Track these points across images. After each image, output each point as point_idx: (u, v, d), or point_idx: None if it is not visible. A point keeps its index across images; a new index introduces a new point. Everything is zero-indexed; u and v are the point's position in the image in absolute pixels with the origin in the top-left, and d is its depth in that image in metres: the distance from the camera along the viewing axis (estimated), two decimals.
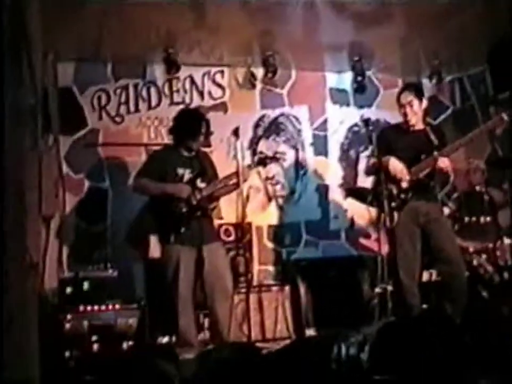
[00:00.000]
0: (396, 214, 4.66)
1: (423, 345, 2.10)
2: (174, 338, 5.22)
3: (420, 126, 4.92)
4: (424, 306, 5.04)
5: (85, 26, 5.47)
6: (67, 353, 4.92)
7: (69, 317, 5.05)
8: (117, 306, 5.22)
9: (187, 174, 4.85)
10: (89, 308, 5.14)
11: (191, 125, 4.89)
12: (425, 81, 7.41)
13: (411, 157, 4.78)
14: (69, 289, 5.22)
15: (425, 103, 4.94)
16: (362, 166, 6.78)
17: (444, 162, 4.63)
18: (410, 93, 4.89)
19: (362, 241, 6.75)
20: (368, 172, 5.13)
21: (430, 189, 4.83)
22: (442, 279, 4.99)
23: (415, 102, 4.85)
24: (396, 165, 4.73)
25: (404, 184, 4.74)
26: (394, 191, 4.71)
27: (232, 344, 4.44)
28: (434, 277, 5.67)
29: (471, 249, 5.60)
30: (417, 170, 4.75)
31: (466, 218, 5.63)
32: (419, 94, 4.93)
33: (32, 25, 4.28)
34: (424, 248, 4.81)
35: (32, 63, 4.37)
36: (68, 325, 5.03)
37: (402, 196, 4.72)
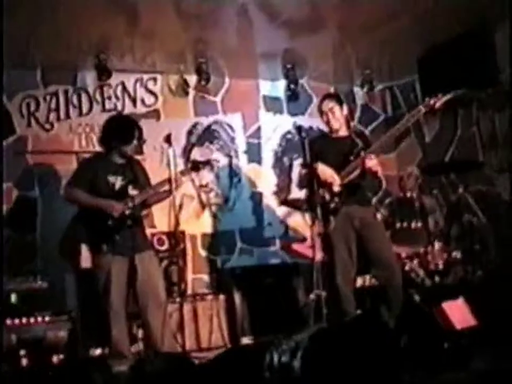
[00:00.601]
0: (331, 219, 4.69)
1: (355, 350, 2.10)
2: (106, 350, 5.12)
3: (344, 132, 4.99)
4: (358, 311, 5.08)
5: (14, 30, 5.31)
6: None
7: None
8: (47, 318, 5.07)
9: (119, 182, 4.76)
10: (17, 321, 4.97)
11: (122, 130, 4.79)
12: (357, 89, 7.55)
13: (339, 161, 4.82)
14: None
15: (345, 109, 5.01)
16: (295, 173, 6.83)
17: (371, 161, 4.68)
18: (331, 100, 4.97)
19: (297, 247, 6.78)
20: (301, 185, 5.16)
21: (362, 192, 4.90)
22: (378, 284, 5.04)
23: (336, 108, 4.92)
24: (324, 170, 4.76)
25: (336, 188, 4.78)
26: (327, 197, 4.74)
27: (165, 354, 4.37)
28: (368, 282, 5.74)
29: (403, 255, 5.71)
30: (346, 173, 4.78)
31: (398, 224, 5.72)
32: (339, 101, 5.01)
33: None
34: (359, 253, 4.85)
35: None
36: None
37: (336, 199, 4.75)
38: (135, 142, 4.82)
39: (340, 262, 4.77)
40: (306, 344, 2.10)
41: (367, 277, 5.74)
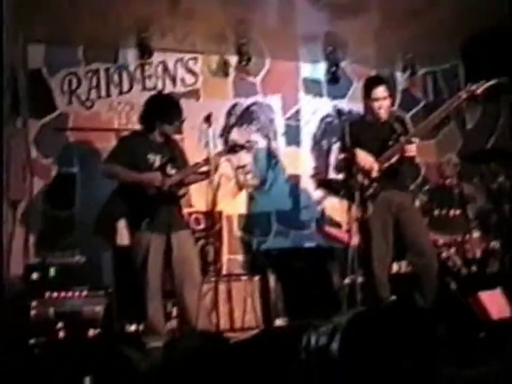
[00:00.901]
0: (368, 204, 4.65)
1: (393, 335, 2.09)
2: (141, 326, 5.19)
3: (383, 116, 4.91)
4: (393, 297, 5.06)
5: (57, 7, 5.38)
6: (32, 341, 4.84)
7: (34, 303, 4.96)
8: (84, 293, 5.14)
9: (158, 160, 4.80)
10: (55, 294, 5.05)
11: (166, 110, 4.81)
12: (398, 74, 7.45)
13: (378, 146, 4.77)
14: (35, 276, 5.13)
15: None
16: (334, 157, 6.80)
17: (410, 147, 4.62)
18: (384, 87, 4.85)
19: (333, 231, 6.75)
20: (338, 169, 5.10)
21: (400, 177, 4.84)
22: (413, 270, 5.00)
23: (388, 96, 4.85)
24: (362, 156, 4.72)
25: (374, 174, 4.73)
26: (366, 182, 4.70)
27: (200, 332, 4.41)
28: (403, 269, 5.70)
29: (440, 242, 5.65)
30: (385, 158, 4.73)
31: (436, 211, 5.65)
32: (389, 87, 4.93)
33: (2, 6, 4.20)
34: (396, 238, 4.82)
35: (1, 44, 4.29)
36: (33, 312, 4.94)
37: (374, 185, 4.71)
38: (177, 123, 4.84)
39: (376, 247, 4.74)
40: (345, 328, 2.09)
41: (403, 263, 5.69)
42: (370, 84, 4.93)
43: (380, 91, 4.82)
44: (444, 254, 5.53)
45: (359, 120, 5.18)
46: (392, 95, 4.90)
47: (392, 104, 5.03)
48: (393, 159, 4.71)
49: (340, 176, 5.05)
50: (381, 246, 4.75)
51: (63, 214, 6.06)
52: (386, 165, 4.72)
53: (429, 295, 4.65)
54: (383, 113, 4.83)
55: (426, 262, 4.75)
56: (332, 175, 6.58)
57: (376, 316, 2.24)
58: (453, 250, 5.60)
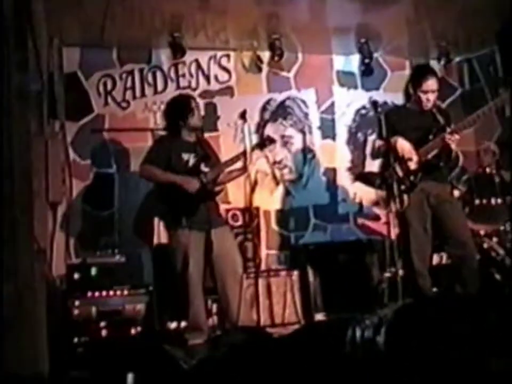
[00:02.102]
0: (405, 196, 4.61)
1: (441, 326, 2.07)
2: (182, 324, 5.23)
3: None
4: (435, 289, 5.01)
5: (90, 11, 5.43)
6: (75, 339, 4.91)
7: (77, 303, 5.04)
8: (125, 291, 5.22)
9: (192, 159, 4.84)
10: (97, 293, 5.13)
11: (180, 107, 4.92)
12: (433, 63, 7.34)
13: (418, 137, 4.72)
14: (76, 275, 5.21)
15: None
16: (370, 148, 6.74)
17: (452, 139, 4.56)
18: (434, 79, 4.78)
19: (371, 224, 6.71)
20: (374, 155, 5.05)
21: (439, 169, 4.77)
22: (453, 262, 4.94)
23: (437, 90, 4.79)
24: (403, 145, 4.66)
25: (413, 166, 4.68)
26: (402, 173, 4.65)
27: (242, 328, 4.42)
28: (444, 260, 5.63)
29: (482, 232, 5.56)
30: (425, 150, 4.68)
31: (477, 201, 5.57)
32: (440, 81, 4.89)
33: (37, 10, 4.25)
34: (435, 230, 4.76)
35: (38, 48, 4.35)
36: (76, 311, 5.02)
37: (412, 177, 4.66)
38: (195, 112, 4.87)
39: (414, 239, 4.71)
40: (391, 320, 2.07)
41: (444, 254, 5.62)
42: (421, 74, 4.85)
43: (432, 83, 4.75)
44: (486, 245, 5.45)
45: (400, 108, 5.13)
46: (440, 88, 4.82)
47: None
48: (434, 152, 4.66)
49: (376, 168, 5.02)
50: (419, 238, 4.71)
51: (103, 214, 6.13)
52: (427, 157, 4.67)
53: (471, 286, 4.59)
54: (429, 105, 4.78)
55: (466, 254, 4.70)
56: (369, 167, 6.54)
57: (423, 307, 2.22)
58: (495, 240, 5.51)
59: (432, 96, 4.76)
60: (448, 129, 4.63)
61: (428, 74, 4.82)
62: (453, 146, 4.58)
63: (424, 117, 4.79)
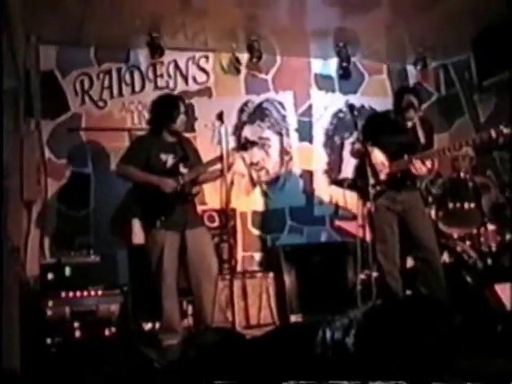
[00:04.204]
0: (373, 202, 4.72)
1: (409, 328, 2.09)
2: (157, 325, 5.21)
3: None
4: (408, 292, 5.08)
5: (67, 9, 5.40)
6: (49, 340, 4.87)
7: (50, 303, 4.99)
8: (99, 292, 5.18)
9: (170, 159, 4.82)
10: (71, 294, 5.08)
11: (166, 108, 4.86)
12: (410, 68, 7.42)
13: (395, 151, 4.87)
14: (50, 275, 5.16)
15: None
16: (346, 152, 6.79)
17: (417, 167, 4.70)
18: (410, 95, 4.94)
19: (347, 227, 6.74)
20: (353, 154, 5.18)
21: (408, 177, 4.89)
22: (417, 266, 5.05)
23: (416, 103, 4.91)
24: (377, 157, 4.81)
25: (382, 176, 4.82)
26: (372, 181, 4.73)
27: (215, 329, 4.42)
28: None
29: (455, 236, 5.63)
30: (396, 165, 4.85)
31: (451, 205, 5.63)
32: (417, 95, 5.03)
33: (13, 8, 4.22)
34: (402, 234, 4.92)
35: (14, 46, 4.32)
36: (49, 312, 4.97)
37: (379, 187, 4.78)
38: (181, 117, 4.85)
39: (380, 242, 4.85)
40: (360, 321, 2.09)
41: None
42: (400, 93, 5.06)
43: (405, 99, 4.90)
44: (459, 248, 5.52)
45: (383, 115, 5.22)
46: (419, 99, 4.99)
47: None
48: (404, 167, 4.78)
49: (351, 174, 5.12)
50: (385, 242, 4.87)
51: (78, 214, 6.09)
52: (396, 169, 4.81)
53: (435, 289, 4.70)
54: (410, 123, 4.94)
55: (430, 257, 4.86)
56: (345, 170, 6.60)
57: (392, 309, 2.24)
58: (468, 243, 5.58)
59: (412, 113, 4.87)
60: (423, 151, 4.80)
61: (406, 92, 5.03)
62: (419, 171, 4.71)
63: (405, 132, 4.94)
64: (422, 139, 4.89)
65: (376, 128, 4.94)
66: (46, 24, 5.65)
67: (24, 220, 5.62)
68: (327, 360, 2.15)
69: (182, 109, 4.87)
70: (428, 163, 4.78)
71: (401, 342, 2.04)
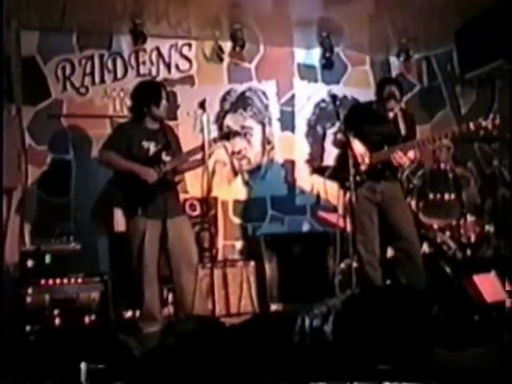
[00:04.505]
0: (353, 192, 4.74)
1: (387, 317, 2.11)
2: (137, 313, 5.21)
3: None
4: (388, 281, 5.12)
5: None
6: (28, 328, 4.85)
7: (30, 290, 4.97)
8: (79, 279, 5.16)
9: (152, 147, 4.80)
10: (50, 281, 5.06)
11: (148, 93, 4.86)
12: (393, 59, 7.44)
13: (376, 141, 4.91)
14: (30, 263, 5.13)
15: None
16: (328, 142, 6.80)
17: (399, 158, 4.73)
18: (391, 86, 4.98)
19: (328, 216, 6.77)
20: (335, 144, 5.21)
21: (388, 168, 4.93)
22: (396, 256, 5.09)
23: (397, 94, 4.95)
24: (358, 148, 4.84)
25: (363, 167, 4.84)
26: (352, 171, 4.76)
27: (196, 317, 4.43)
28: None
29: (435, 226, 5.68)
30: (376, 156, 4.88)
31: (431, 195, 5.67)
32: (399, 86, 5.05)
33: None
34: (381, 225, 4.95)
35: None
36: (29, 299, 4.96)
37: (359, 177, 4.81)
38: (163, 103, 4.84)
39: (360, 232, 4.87)
40: (338, 309, 2.11)
41: None
42: (382, 84, 5.10)
43: (386, 90, 4.95)
44: (439, 239, 5.57)
45: (366, 106, 5.25)
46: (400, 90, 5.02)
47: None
48: (384, 158, 4.80)
49: (333, 163, 5.15)
50: (365, 232, 4.90)
51: (58, 201, 6.05)
52: (376, 161, 4.84)
53: (414, 279, 4.75)
54: (391, 114, 4.97)
55: (409, 248, 4.92)
56: (327, 160, 6.61)
57: (369, 298, 2.26)
58: (447, 234, 5.63)
59: (393, 103, 4.90)
60: (404, 143, 4.83)
61: (388, 82, 5.08)
62: (400, 162, 4.73)
63: (386, 123, 4.95)
64: (403, 130, 4.93)
65: (357, 119, 4.96)
66: (28, 9, 5.59)
67: (4, 207, 5.58)
68: (305, 348, 2.16)
69: (164, 95, 4.85)
70: (410, 154, 4.82)
71: (378, 330, 2.06)
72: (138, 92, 4.94)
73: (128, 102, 5.43)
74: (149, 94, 4.84)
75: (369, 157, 4.86)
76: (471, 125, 4.55)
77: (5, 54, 5.40)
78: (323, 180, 5.48)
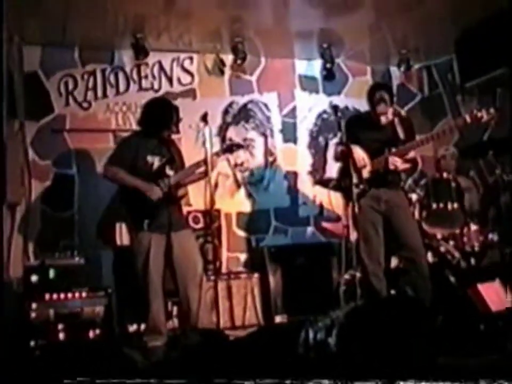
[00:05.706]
0: (357, 201, 4.73)
1: (391, 328, 2.10)
2: (142, 326, 5.20)
3: (388, 117, 5.00)
4: (393, 292, 5.10)
5: (51, 9, 5.37)
6: (33, 342, 4.85)
7: (34, 305, 4.96)
8: (84, 294, 5.16)
9: (156, 161, 4.81)
10: (55, 296, 5.06)
11: (162, 115, 4.87)
12: (393, 69, 7.46)
13: (376, 148, 4.90)
14: (34, 278, 5.13)
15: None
16: (331, 153, 6.80)
17: (394, 162, 4.76)
18: (380, 90, 5.01)
19: (331, 227, 6.77)
20: (337, 158, 5.19)
21: (392, 175, 4.93)
22: (402, 265, 5.08)
23: (387, 97, 4.95)
24: (359, 155, 4.84)
25: (365, 174, 4.85)
26: (355, 180, 4.76)
27: (200, 330, 4.43)
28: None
29: (438, 236, 5.66)
30: (378, 162, 4.89)
31: (434, 205, 5.66)
32: (389, 90, 5.09)
33: None
34: (387, 234, 4.93)
35: None
36: (33, 314, 4.95)
37: (362, 185, 4.80)
38: (173, 128, 4.88)
39: (365, 241, 4.86)
40: (342, 322, 2.11)
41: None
42: (372, 90, 5.10)
43: (377, 94, 4.97)
44: (442, 248, 5.56)
45: (361, 116, 5.28)
46: (399, 95, 5.06)
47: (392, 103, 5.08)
48: (386, 163, 4.81)
49: (335, 174, 5.17)
50: (370, 240, 4.88)
51: (62, 215, 6.07)
52: (379, 168, 4.82)
53: (421, 289, 4.73)
54: (385, 119, 4.99)
55: (415, 257, 4.89)
56: (329, 171, 6.62)
57: (373, 310, 2.26)
58: (451, 243, 5.62)
59: (385, 108, 4.93)
60: (393, 150, 4.83)
61: (378, 88, 5.10)
62: (396, 166, 4.76)
63: (384, 129, 4.97)
64: (402, 135, 4.91)
65: (355, 127, 4.96)
66: (30, 25, 5.63)
67: (7, 222, 5.59)
68: (310, 360, 2.16)
69: (175, 118, 4.88)
70: (410, 156, 4.82)
71: (382, 342, 2.05)
72: (152, 110, 4.96)
73: (132, 116, 5.44)
74: (161, 116, 4.87)
75: (370, 163, 4.86)
76: (467, 117, 4.58)
77: (8, 69, 5.42)
78: (326, 190, 5.49)
